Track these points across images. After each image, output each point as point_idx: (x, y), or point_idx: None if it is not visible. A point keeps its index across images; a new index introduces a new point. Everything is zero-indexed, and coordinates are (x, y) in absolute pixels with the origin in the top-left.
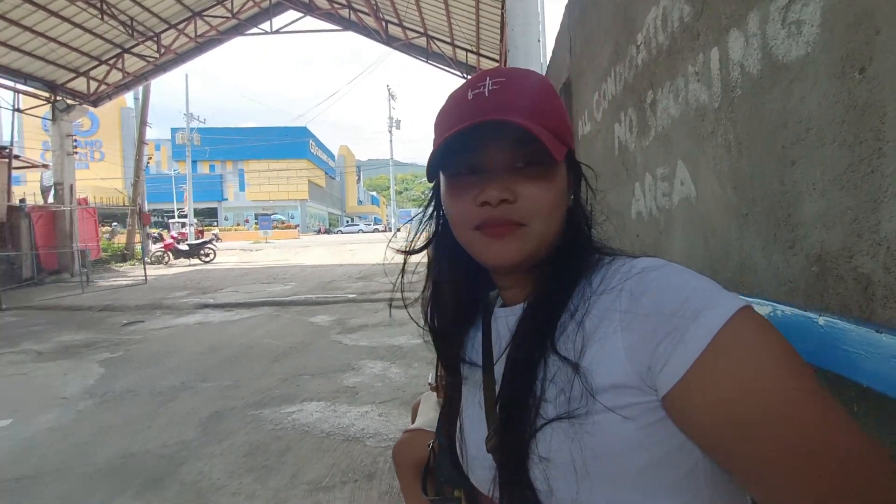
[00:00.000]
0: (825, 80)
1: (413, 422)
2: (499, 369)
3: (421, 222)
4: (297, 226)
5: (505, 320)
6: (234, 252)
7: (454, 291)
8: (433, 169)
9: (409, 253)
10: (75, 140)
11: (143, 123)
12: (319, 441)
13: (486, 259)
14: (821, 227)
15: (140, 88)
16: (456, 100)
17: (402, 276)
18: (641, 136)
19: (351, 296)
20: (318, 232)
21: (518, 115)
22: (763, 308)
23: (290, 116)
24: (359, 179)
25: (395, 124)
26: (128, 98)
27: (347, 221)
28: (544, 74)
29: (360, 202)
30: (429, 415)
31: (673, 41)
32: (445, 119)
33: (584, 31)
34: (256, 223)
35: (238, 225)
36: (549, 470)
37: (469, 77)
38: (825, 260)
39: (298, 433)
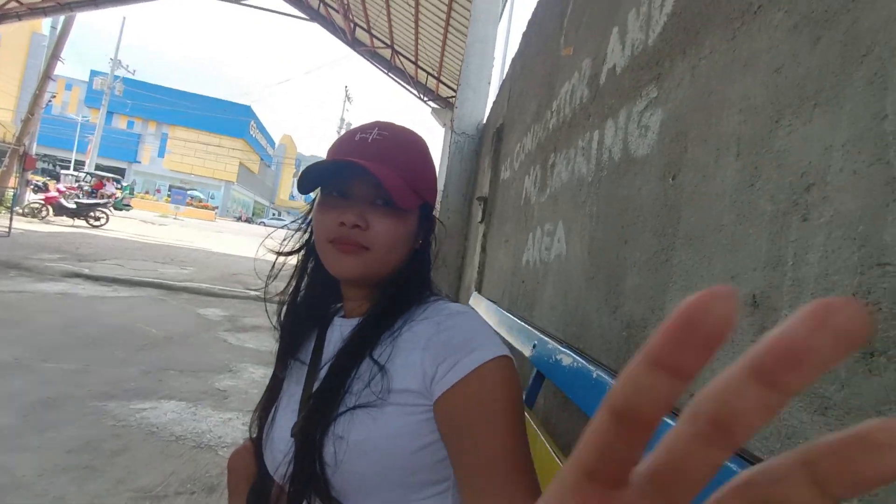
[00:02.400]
0: (654, 179)
1: None
2: (323, 372)
3: (297, 230)
4: (217, 208)
5: (340, 329)
6: (132, 221)
7: (309, 296)
8: (307, 184)
9: (281, 254)
10: None
11: (54, 57)
12: (165, 445)
13: (332, 268)
14: (633, 300)
15: (62, 18)
16: (347, 136)
17: (271, 273)
18: (541, 192)
19: (253, 292)
20: (239, 219)
21: (383, 166)
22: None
23: (234, 92)
24: (296, 173)
25: (346, 126)
26: (45, 24)
27: (273, 214)
28: (487, 115)
29: (292, 197)
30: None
31: (574, 115)
32: (334, 148)
33: (520, 85)
34: (168, 195)
35: (147, 193)
36: (340, 446)
37: (373, 124)
38: (631, 327)
39: (143, 433)
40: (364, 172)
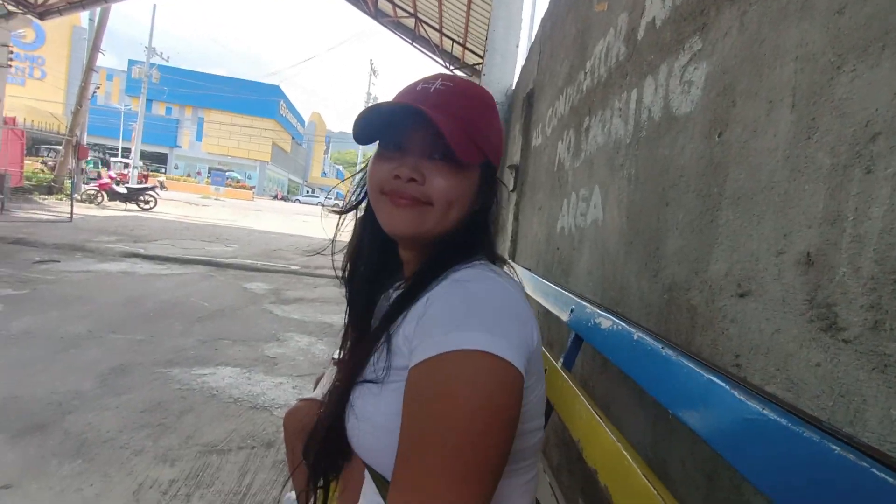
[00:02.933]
0: (699, 138)
1: (314, 391)
2: None
3: (356, 185)
4: (254, 188)
5: (388, 298)
6: (178, 204)
7: (368, 263)
8: (363, 133)
9: (342, 211)
10: (13, 52)
11: (94, 49)
12: (225, 406)
13: (385, 222)
14: (675, 263)
15: (98, 10)
16: (408, 87)
17: (338, 227)
18: (575, 157)
19: (294, 267)
20: (275, 197)
21: (443, 115)
22: (629, 330)
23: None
24: (327, 150)
25: (372, 100)
26: (83, 17)
27: (308, 191)
28: (516, 81)
29: (324, 174)
30: (327, 387)
31: (609, 75)
32: (396, 97)
33: (550, 46)
34: (209, 177)
35: (188, 176)
36: (352, 419)
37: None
38: (673, 290)
39: (205, 396)
40: (422, 119)
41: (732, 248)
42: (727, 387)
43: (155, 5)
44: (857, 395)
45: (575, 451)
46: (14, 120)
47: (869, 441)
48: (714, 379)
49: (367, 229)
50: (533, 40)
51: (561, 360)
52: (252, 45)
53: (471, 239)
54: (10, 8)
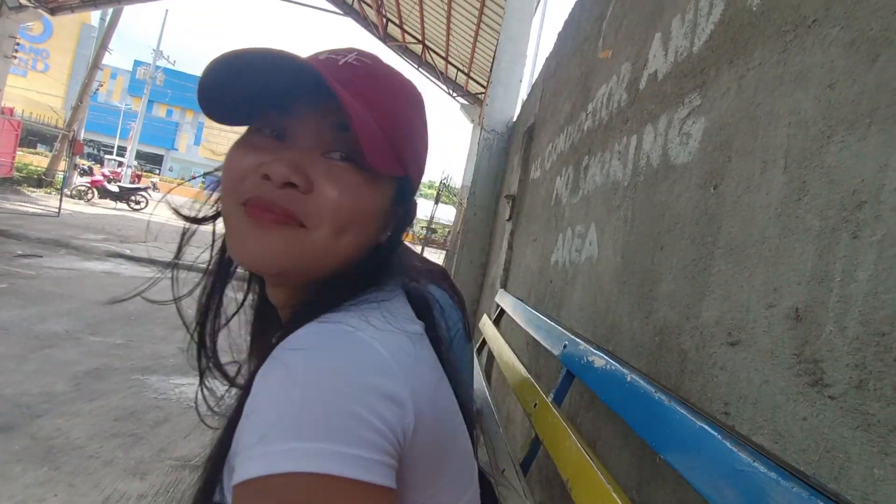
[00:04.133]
0: (694, 188)
1: None
2: None
3: (213, 184)
4: None
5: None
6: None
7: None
8: (215, 92)
9: (195, 221)
10: (18, 43)
11: (103, 47)
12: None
13: (238, 251)
14: (667, 306)
15: (110, 10)
16: (311, 57)
17: (180, 248)
18: (573, 193)
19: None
20: None
21: (355, 98)
22: (619, 370)
23: None
24: None
25: None
26: (94, 16)
27: None
28: (517, 113)
29: None
30: None
31: (611, 119)
32: None
33: (554, 84)
34: (203, 182)
35: (183, 179)
36: None
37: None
38: (664, 333)
39: (181, 407)
40: (320, 95)
41: (724, 297)
42: (718, 436)
43: (167, 10)
44: (842, 451)
45: (560, 488)
46: (12, 111)
47: (853, 499)
48: (706, 427)
49: (224, 257)
50: (537, 76)
51: (552, 394)
52: None
53: (365, 279)
54: (23, 1)
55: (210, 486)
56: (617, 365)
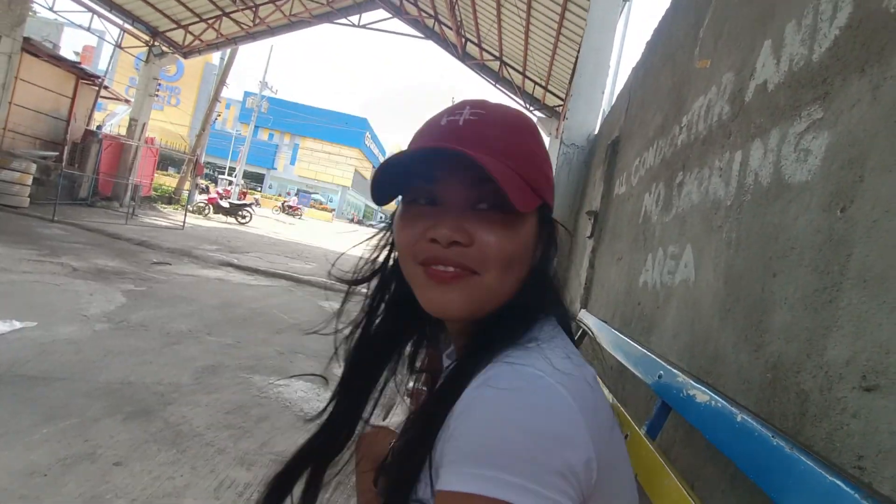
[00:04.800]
0: (816, 209)
1: (384, 419)
2: None
3: (376, 249)
4: (334, 210)
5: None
6: (268, 220)
7: (387, 326)
8: (382, 190)
9: (353, 283)
10: (159, 84)
11: (221, 83)
12: (297, 418)
13: (427, 304)
14: (782, 340)
15: (228, 50)
16: (430, 124)
17: (343, 306)
18: (664, 211)
19: (364, 290)
20: (351, 220)
21: (486, 152)
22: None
23: (353, 104)
24: None
25: None
26: (214, 55)
27: (381, 217)
28: (598, 126)
29: (398, 203)
30: (398, 417)
31: (710, 133)
32: (414, 141)
33: (642, 95)
34: (296, 198)
35: (279, 195)
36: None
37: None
38: (778, 370)
39: (280, 406)
40: (462, 163)
41: (857, 335)
42: (858, 496)
43: (272, 46)
44: None
45: None
46: (153, 140)
47: None
48: (839, 483)
49: (388, 296)
50: (622, 88)
51: (645, 426)
52: (347, 82)
53: (532, 302)
54: (164, 49)
55: (409, 482)
56: (723, 402)
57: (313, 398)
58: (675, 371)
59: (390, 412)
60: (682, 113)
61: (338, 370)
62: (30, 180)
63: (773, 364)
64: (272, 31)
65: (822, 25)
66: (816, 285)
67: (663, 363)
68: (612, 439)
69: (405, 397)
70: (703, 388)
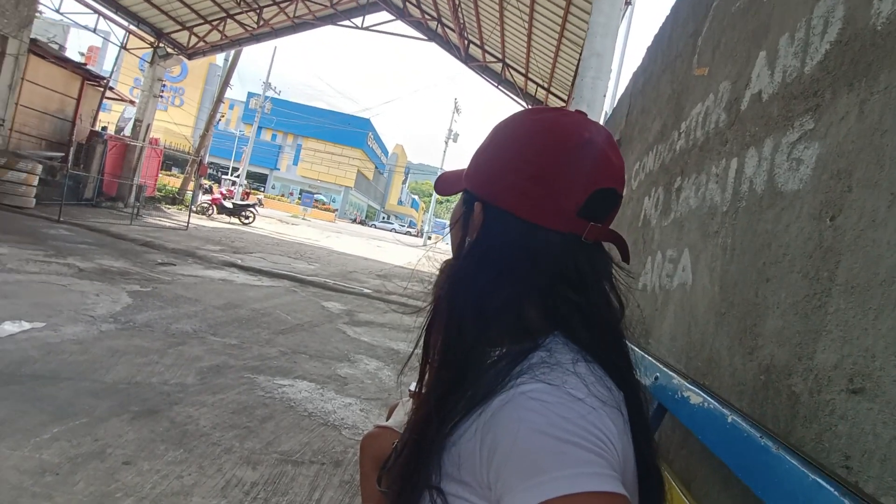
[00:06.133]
0: (806, 218)
1: (388, 420)
2: None
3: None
4: (336, 210)
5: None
6: (271, 220)
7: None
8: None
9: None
10: (163, 84)
11: (225, 84)
12: (300, 418)
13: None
14: (774, 343)
15: (232, 52)
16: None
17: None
18: (663, 216)
19: (366, 290)
20: (354, 220)
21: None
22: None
23: (356, 106)
24: (405, 180)
25: (453, 137)
26: (218, 56)
27: (383, 217)
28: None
29: (400, 202)
30: (401, 418)
31: (707, 140)
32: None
33: (642, 101)
34: (299, 198)
35: (282, 196)
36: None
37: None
38: (771, 373)
39: (284, 406)
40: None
41: (844, 340)
42: (837, 493)
43: (275, 47)
44: None
45: None
46: (157, 140)
47: None
48: (822, 482)
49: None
50: (622, 93)
51: None
52: (350, 83)
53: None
54: (169, 50)
55: (415, 484)
56: (716, 404)
57: (317, 398)
58: (670, 373)
59: (392, 411)
60: (680, 119)
61: (342, 371)
62: (36, 181)
63: (766, 367)
64: (276, 32)
65: (814, 40)
66: (807, 291)
67: (660, 365)
68: (626, 459)
69: (407, 397)
70: (697, 390)
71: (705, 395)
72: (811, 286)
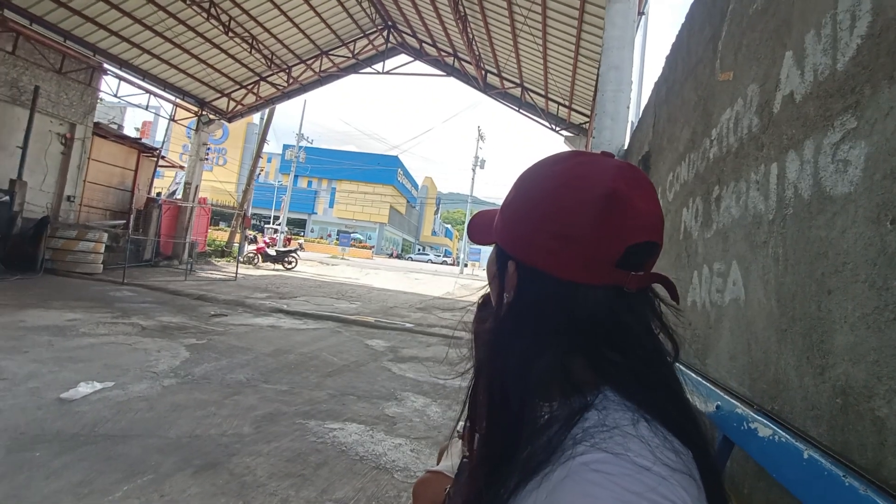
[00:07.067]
0: (863, 221)
1: (438, 463)
2: None
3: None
4: (373, 247)
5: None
6: (313, 263)
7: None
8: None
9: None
10: (208, 147)
11: (262, 140)
12: (353, 463)
13: None
14: (848, 361)
15: (266, 110)
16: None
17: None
18: (705, 227)
19: (408, 325)
20: (391, 255)
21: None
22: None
23: (384, 145)
24: (437, 210)
25: (479, 164)
26: (255, 116)
27: (419, 249)
28: (627, 141)
29: (434, 233)
30: (453, 460)
31: (741, 145)
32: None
33: (667, 110)
34: (337, 239)
35: (321, 238)
36: None
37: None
38: (849, 394)
39: (336, 450)
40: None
41: None
42: None
43: (305, 101)
44: None
45: None
46: (205, 200)
47: None
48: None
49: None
50: (647, 104)
51: None
52: (376, 123)
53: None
54: (211, 116)
55: None
56: (788, 437)
57: (367, 440)
58: (733, 401)
59: (443, 453)
60: (710, 126)
61: (390, 410)
62: (102, 248)
63: (842, 388)
64: (304, 87)
65: (843, 35)
66: (877, 302)
67: (720, 392)
68: None
69: (457, 438)
70: (766, 421)
71: (775, 427)
72: (880, 297)
